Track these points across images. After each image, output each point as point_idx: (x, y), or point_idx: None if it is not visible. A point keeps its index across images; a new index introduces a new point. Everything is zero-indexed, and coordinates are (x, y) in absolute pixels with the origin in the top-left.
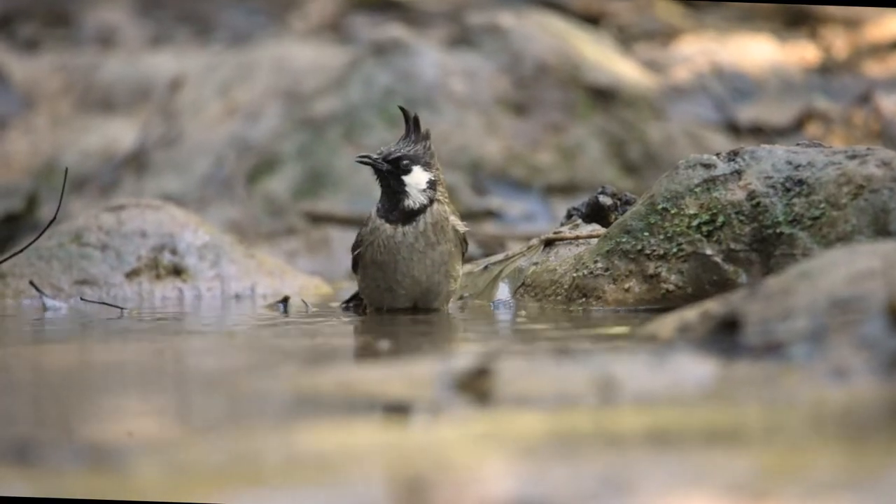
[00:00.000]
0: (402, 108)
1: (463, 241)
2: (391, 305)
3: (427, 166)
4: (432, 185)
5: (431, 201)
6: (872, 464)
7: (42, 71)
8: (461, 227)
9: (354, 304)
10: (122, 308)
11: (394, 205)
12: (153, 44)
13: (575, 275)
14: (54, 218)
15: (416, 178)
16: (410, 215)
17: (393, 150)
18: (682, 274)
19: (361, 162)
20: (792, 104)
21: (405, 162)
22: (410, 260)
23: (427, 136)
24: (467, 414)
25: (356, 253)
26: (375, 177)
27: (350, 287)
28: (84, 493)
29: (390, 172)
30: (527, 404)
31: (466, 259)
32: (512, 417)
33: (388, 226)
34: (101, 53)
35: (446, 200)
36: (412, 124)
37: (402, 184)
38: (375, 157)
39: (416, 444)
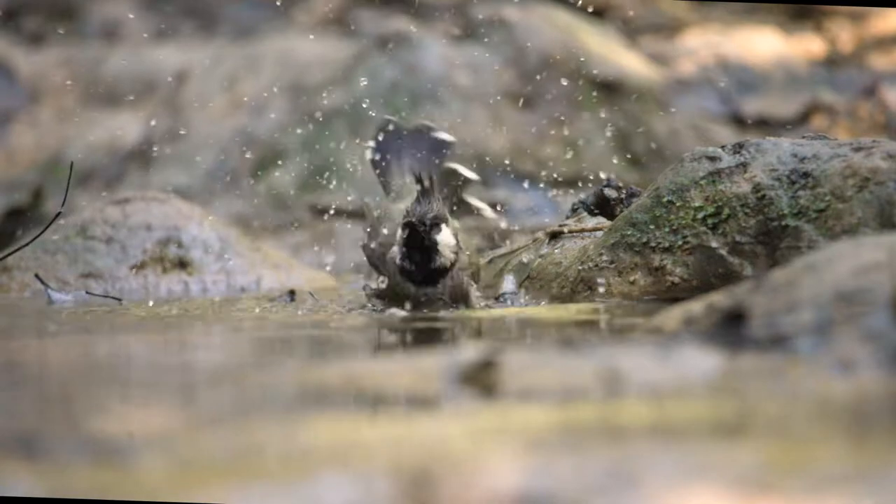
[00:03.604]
0: (416, 175)
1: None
2: None
3: (447, 222)
4: (457, 238)
5: (457, 256)
6: (878, 457)
7: (47, 64)
8: (476, 297)
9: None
10: (120, 300)
11: (424, 264)
12: (158, 37)
13: (580, 267)
14: (60, 212)
15: (446, 237)
16: (437, 275)
17: (425, 210)
18: (687, 266)
19: (408, 226)
20: (797, 97)
21: (436, 221)
22: (425, 305)
23: (434, 185)
24: (473, 407)
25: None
26: (407, 241)
27: (354, 280)
28: (89, 488)
29: (426, 233)
30: (532, 397)
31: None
32: (517, 410)
33: (410, 285)
34: (107, 47)
35: (462, 249)
36: (429, 180)
37: (436, 243)
38: (414, 220)
39: (421, 437)
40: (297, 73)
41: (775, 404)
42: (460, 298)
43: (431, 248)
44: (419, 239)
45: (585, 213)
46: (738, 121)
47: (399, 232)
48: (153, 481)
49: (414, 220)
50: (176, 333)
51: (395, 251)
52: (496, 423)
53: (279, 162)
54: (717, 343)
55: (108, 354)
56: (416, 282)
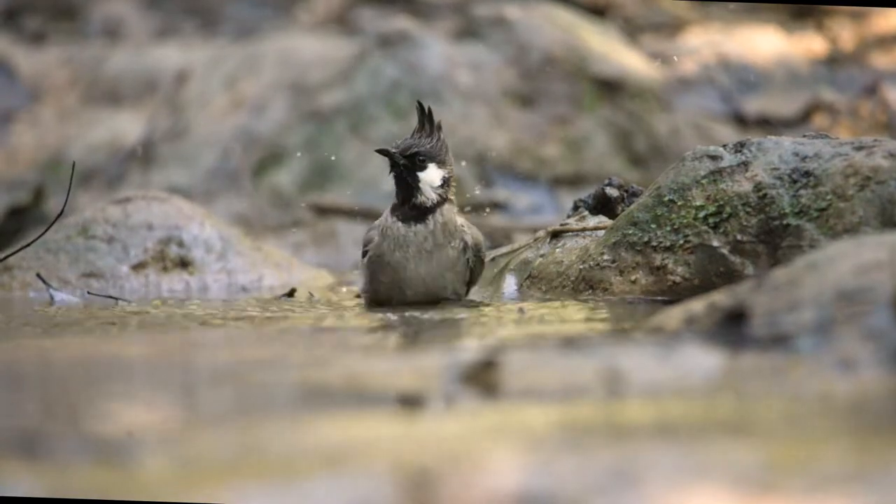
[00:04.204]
0: (418, 103)
1: (475, 251)
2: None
3: (441, 164)
4: (446, 182)
5: (443, 200)
6: (879, 456)
7: (48, 64)
8: (469, 236)
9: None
10: (126, 301)
11: (405, 199)
12: (159, 36)
13: (581, 266)
14: (62, 211)
15: (431, 176)
16: (422, 213)
17: (410, 144)
18: (688, 266)
19: (380, 153)
20: (798, 96)
21: (421, 158)
22: (419, 259)
23: (440, 129)
24: (474, 406)
25: (365, 250)
26: (391, 170)
27: (356, 280)
28: (90, 487)
29: (406, 167)
30: (534, 397)
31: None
32: (519, 410)
33: (400, 224)
34: (108, 46)
35: (453, 199)
36: (426, 118)
37: (417, 179)
38: (393, 150)
39: (423, 436)
40: (298, 72)
41: (776, 404)
42: (449, 236)
43: (412, 184)
44: (398, 170)
45: (587, 212)
46: (740, 120)
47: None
48: (155, 481)
49: (394, 151)
50: (177, 332)
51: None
52: (497, 423)
53: (280, 161)
54: (718, 342)
55: (111, 353)
56: (404, 220)
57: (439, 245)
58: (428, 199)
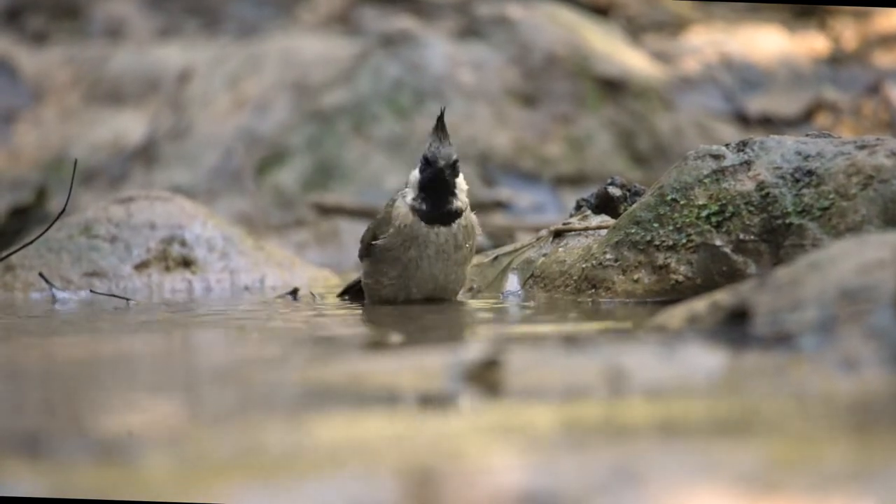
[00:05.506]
0: (442, 110)
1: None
2: (403, 300)
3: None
4: (465, 183)
5: (467, 204)
6: (882, 455)
7: (51, 64)
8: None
9: (353, 292)
10: (128, 300)
11: (441, 205)
12: (162, 36)
13: (584, 266)
14: (63, 210)
15: (461, 182)
16: (450, 216)
17: (450, 151)
18: (691, 265)
19: (431, 164)
20: (801, 95)
21: (458, 164)
22: (435, 258)
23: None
24: (477, 405)
25: (372, 243)
26: (428, 178)
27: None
28: (91, 487)
29: (451, 175)
30: (536, 396)
31: (476, 250)
32: (522, 409)
33: (423, 225)
34: (110, 46)
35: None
36: (443, 124)
37: (455, 186)
38: (441, 164)
39: (425, 435)
40: (300, 71)
41: (779, 403)
42: (467, 238)
43: (450, 192)
44: (443, 181)
45: (589, 212)
46: (742, 119)
47: (415, 172)
48: (157, 480)
49: (441, 163)
50: (179, 332)
51: (408, 191)
52: (499, 422)
53: (283, 160)
54: (720, 341)
55: (113, 352)
56: (430, 222)
57: (458, 246)
58: (462, 203)
